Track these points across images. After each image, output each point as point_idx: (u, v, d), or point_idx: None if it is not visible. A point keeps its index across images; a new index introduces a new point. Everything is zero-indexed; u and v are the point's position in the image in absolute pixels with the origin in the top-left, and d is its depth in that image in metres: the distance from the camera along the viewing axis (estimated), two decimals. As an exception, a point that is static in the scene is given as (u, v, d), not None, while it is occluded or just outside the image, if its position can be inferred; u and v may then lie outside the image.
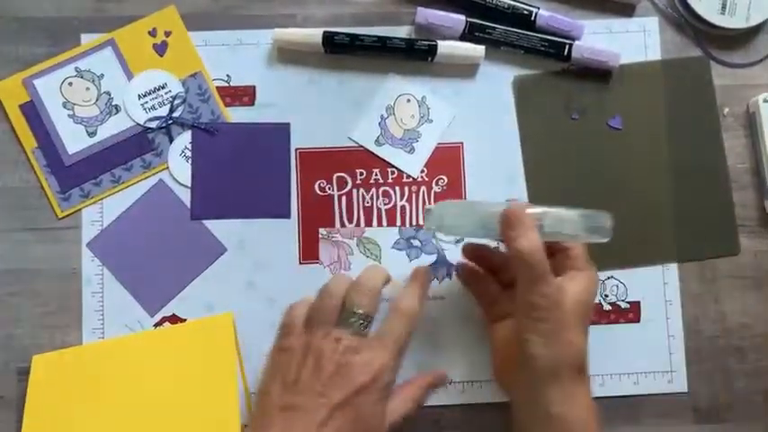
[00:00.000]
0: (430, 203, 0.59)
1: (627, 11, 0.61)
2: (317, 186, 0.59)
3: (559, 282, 0.48)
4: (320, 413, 0.46)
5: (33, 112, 0.58)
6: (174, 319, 0.57)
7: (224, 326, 0.55)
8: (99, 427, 0.53)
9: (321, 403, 0.46)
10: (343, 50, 0.58)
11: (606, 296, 0.58)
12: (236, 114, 0.59)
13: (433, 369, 0.57)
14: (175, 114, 0.58)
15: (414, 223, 0.58)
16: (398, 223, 0.58)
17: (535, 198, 0.59)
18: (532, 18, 0.59)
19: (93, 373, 0.55)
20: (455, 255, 0.58)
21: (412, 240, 0.58)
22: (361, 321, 0.49)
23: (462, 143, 0.59)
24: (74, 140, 0.58)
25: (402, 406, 0.50)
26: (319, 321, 0.49)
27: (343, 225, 0.58)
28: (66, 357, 0.55)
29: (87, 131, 0.58)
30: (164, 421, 0.52)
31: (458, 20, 0.59)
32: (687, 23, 0.60)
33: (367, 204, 0.58)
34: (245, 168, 0.58)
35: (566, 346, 0.47)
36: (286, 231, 0.58)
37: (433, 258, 0.58)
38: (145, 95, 0.58)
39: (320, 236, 0.58)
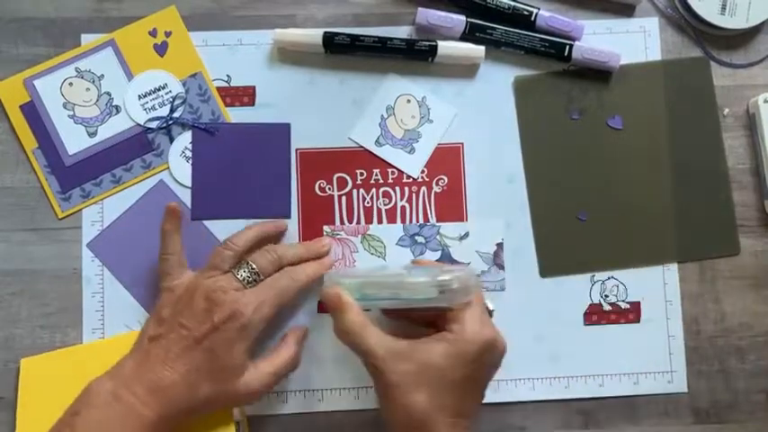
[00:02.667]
0: (430, 204, 0.59)
1: (627, 11, 0.61)
2: (317, 186, 0.59)
3: (411, 345, 0.47)
4: (179, 344, 0.49)
5: (34, 112, 0.58)
6: (175, 319, 0.57)
7: None
8: None
9: (182, 335, 0.49)
10: (343, 51, 0.58)
11: (606, 296, 0.58)
12: (237, 114, 0.59)
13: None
14: (176, 115, 0.58)
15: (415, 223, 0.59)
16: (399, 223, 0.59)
17: (535, 197, 0.59)
18: (532, 18, 0.59)
19: (83, 375, 0.55)
20: (459, 251, 0.58)
21: (416, 237, 0.58)
22: (249, 275, 0.52)
23: (462, 143, 0.59)
24: (74, 141, 0.58)
25: (273, 363, 0.52)
26: (210, 265, 0.52)
27: (343, 225, 0.58)
28: (55, 359, 0.55)
29: (87, 132, 0.58)
30: None
31: (458, 20, 0.59)
32: (687, 24, 0.61)
33: (367, 205, 0.58)
34: (246, 168, 0.58)
35: (396, 408, 0.47)
36: (286, 231, 0.58)
37: (437, 255, 0.58)
38: (145, 96, 0.58)
39: (324, 233, 0.58)
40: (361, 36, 0.58)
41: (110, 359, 0.54)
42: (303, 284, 0.54)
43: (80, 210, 0.57)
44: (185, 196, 0.58)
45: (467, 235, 0.58)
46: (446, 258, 0.58)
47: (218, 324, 0.49)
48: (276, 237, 0.57)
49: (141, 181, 0.58)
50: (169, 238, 0.53)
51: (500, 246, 0.58)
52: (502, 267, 0.58)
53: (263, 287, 0.52)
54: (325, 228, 0.58)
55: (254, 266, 0.52)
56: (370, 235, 0.58)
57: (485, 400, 0.57)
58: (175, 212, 0.53)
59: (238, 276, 0.51)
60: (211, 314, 0.49)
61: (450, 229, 0.58)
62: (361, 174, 0.59)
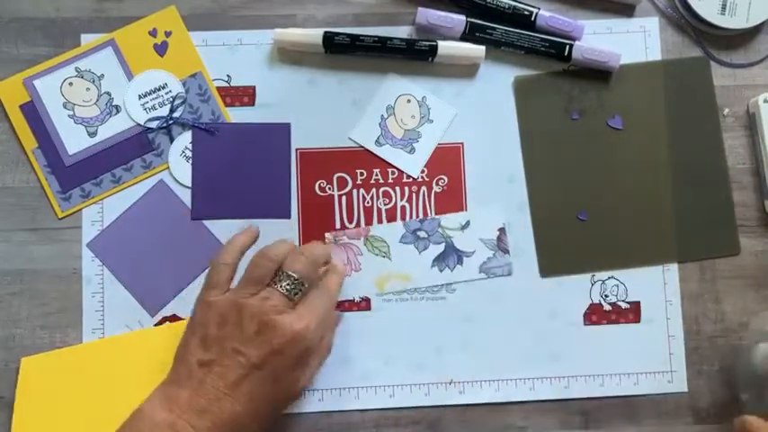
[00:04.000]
0: (430, 203, 0.59)
1: (627, 11, 0.61)
2: (317, 186, 0.59)
3: None
4: (236, 371, 0.46)
5: (34, 112, 0.58)
6: (175, 319, 0.57)
7: None
8: (87, 427, 0.52)
9: (238, 362, 0.47)
10: (343, 51, 0.58)
11: (606, 296, 0.58)
12: (236, 114, 0.59)
13: (434, 369, 0.57)
14: (176, 114, 0.58)
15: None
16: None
17: (535, 197, 0.59)
18: (533, 18, 0.59)
19: (83, 375, 0.55)
20: (462, 241, 0.58)
21: (418, 232, 0.58)
22: (293, 285, 0.49)
23: (462, 143, 0.59)
24: (74, 140, 0.58)
25: (320, 356, 0.52)
26: (251, 280, 0.49)
27: (343, 225, 0.58)
28: (55, 359, 0.55)
29: (88, 131, 0.58)
30: None
31: (458, 20, 0.59)
32: (687, 24, 0.61)
33: (367, 204, 0.58)
34: (246, 168, 0.58)
35: None
36: (286, 231, 0.58)
37: (441, 248, 0.58)
38: (145, 95, 0.58)
39: (326, 240, 0.58)
40: (361, 36, 0.58)
41: (110, 359, 0.55)
42: (337, 294, 0.54)
43: (80, 210, 0.57)
44: (185, 196, 0.58)
45: (468, 224, 0.58)
46: (450, 250, 0.58)
47: (278, 349, 0.47)
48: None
49: (141, 181, 0.58)
50: (235, 248, 0.51)
51: (502, 230, 0.58)
52: (507, 252, 0.58)
53: (314, 308, 0.49)
54: (327, 235, 0.58)
55: (294, 275, 0.49)
56: (372, 236, 0.58)
57: (485, 400, 0.57)
58: (255, 236, 0.52)
59: (283, 291, 0.49)
60: (269, 338, 0.47)
61: (450, 220, 0.58)
62: (361, 174, 0.59)
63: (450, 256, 0.58)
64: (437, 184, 0.59)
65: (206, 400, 0.46)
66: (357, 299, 0.58)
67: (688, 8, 0.59)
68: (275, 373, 0.47)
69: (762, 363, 0.54)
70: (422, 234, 0.58)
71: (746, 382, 0.55)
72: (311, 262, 0.50)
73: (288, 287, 0.49)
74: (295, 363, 0.48)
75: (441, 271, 0.58)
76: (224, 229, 0.57)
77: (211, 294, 0.49)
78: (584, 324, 0.58)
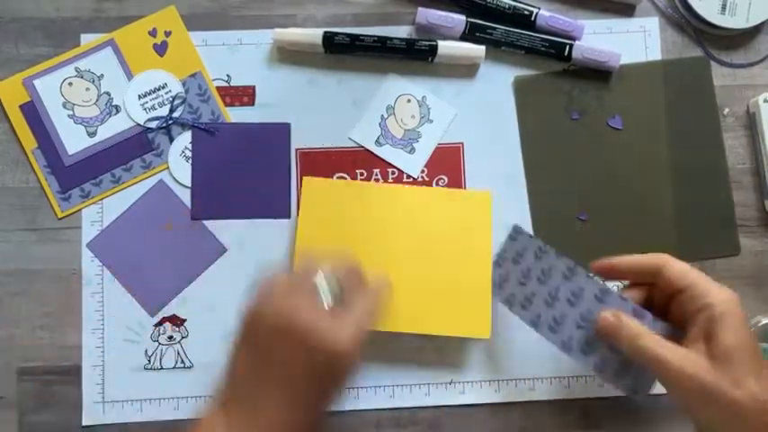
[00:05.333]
0: (430, 203, 0.59)
1: (627, 11, 0.61)
2: (317, 186, 0.59)
3: None
4: None
5: (33, 112, 0.58)
6: (175, 319, 0.57)
7: (483, 201, 0.57)
8: (362, 244, 0.55)
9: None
10: (343, 50, 0.58)
11: (606, 296, 0.58)
12: (236, 114, 0.59)
13: (434, 368, 0.57)
14: (175, 114, 0.58)
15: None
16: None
17: (535, 198, 0.59)
18: (533, 18, 0.59)
19: (359, 205, 0.56)
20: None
21: None
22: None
23: (462, 143, 0.59)
24: (74, 140, 0.58)
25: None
26: None
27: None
28: (332, 185, 0.57)
29: (87, 131, 0.58)
30: (421, 266, 0.56)
31: (458, 20, 0.59)
32: (687, 23, 0.61)
33: (367, 204, 0.58)
34: (245, 168, 0.58)
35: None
36: (286, 231, 0.58)
37: None
38: (145, 95, 0.58)
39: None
40: (361, 36, 0.58)
41: (386, 200, 0.57)
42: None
43: (80, 210, 0.57)
44: (185, 196, 0.58)
45: None
46: None
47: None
48: None
49: (141, 181, 0.58)
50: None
51: None
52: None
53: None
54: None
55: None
56: None
57: (485, 401, 0.57)
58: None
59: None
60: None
61: None
62: (361, 174, 0.59)
63: None
64: (437, 184, 0.59)
65: None
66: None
67: (688, 8, 0.59)
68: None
69: None
70: None
71: None
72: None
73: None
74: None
75: None
76: (224, 229, 0.57)
77: None
78: (584, 324, 0.58)
